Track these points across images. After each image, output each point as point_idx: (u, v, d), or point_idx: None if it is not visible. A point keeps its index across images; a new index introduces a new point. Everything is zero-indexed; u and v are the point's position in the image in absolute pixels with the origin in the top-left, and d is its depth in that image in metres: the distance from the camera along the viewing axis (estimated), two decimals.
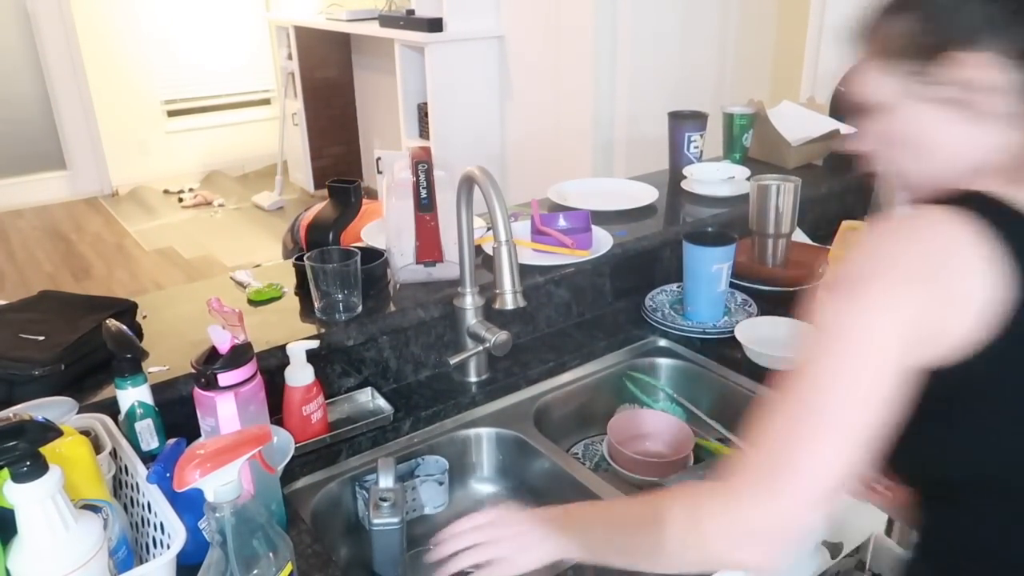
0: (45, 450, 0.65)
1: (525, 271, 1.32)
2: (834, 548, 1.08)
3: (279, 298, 1.26)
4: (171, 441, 0.85)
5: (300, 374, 1.05)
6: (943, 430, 0.67)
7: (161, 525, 0.75)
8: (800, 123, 1.98)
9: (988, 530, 0.70)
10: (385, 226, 1.31)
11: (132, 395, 0.91)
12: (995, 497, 0.68)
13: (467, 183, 1.11)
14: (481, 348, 1.18)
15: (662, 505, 0.67)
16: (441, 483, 1.14)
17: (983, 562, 0.71)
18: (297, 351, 1.05)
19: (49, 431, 0.67)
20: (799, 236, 1.66)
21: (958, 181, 0.69)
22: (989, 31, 0.65)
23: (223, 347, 0.84)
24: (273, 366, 1.07)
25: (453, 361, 1.18)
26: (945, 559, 0.75)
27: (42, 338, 1.03)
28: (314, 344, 1.06)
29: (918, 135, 0.71)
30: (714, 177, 1.74)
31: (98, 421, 0.88)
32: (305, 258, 1.18)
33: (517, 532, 0.78)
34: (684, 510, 0.65)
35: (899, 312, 0.61)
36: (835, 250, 1.53)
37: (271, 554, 0.69)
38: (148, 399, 0.92)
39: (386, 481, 0.97)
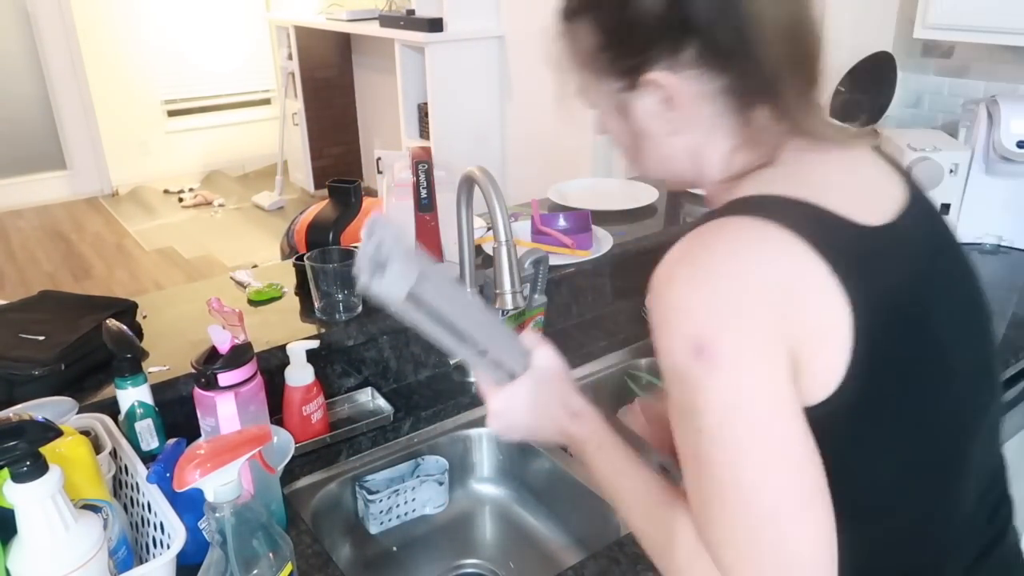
0: (45, 450, 0.65)
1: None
2: None
3: (279, 298, 1.26)
4: (171, 441, 0.85)
5: (300, 374, 1.05)
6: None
7: (161, 525, 0.75)
8: None
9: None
10: None
11: (132, 395, 0.90)
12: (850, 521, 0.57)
13: (467, 183, 1.11)
14: None
15: (673, 541, 0.60)
16: (441, 483, 1.14)
17: None
18: (297, 351, 1.05)
19: (49, 431, 0.66)
20: None
21: (713, 183, 0.66)
22: (661, 45, 0.61)
23: (223, 347, 0.84)
24: (273, 366, 1.07)
25: (453, 361, 1.18)
26: None
27: (42, 338, 1.03)
28: (314, 344, 1.06)
29: (643, 143, 0.68)
30: None
31: (98, 421, 0.88)
32: (305, 258, 1.18)
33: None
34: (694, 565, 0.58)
35: (770, 360, 0.53)
36: None
37: (271, 554, 0.69)
38: (148, 399, 0.92)
39: None
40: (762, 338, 0.53)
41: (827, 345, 0.54)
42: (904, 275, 0.60)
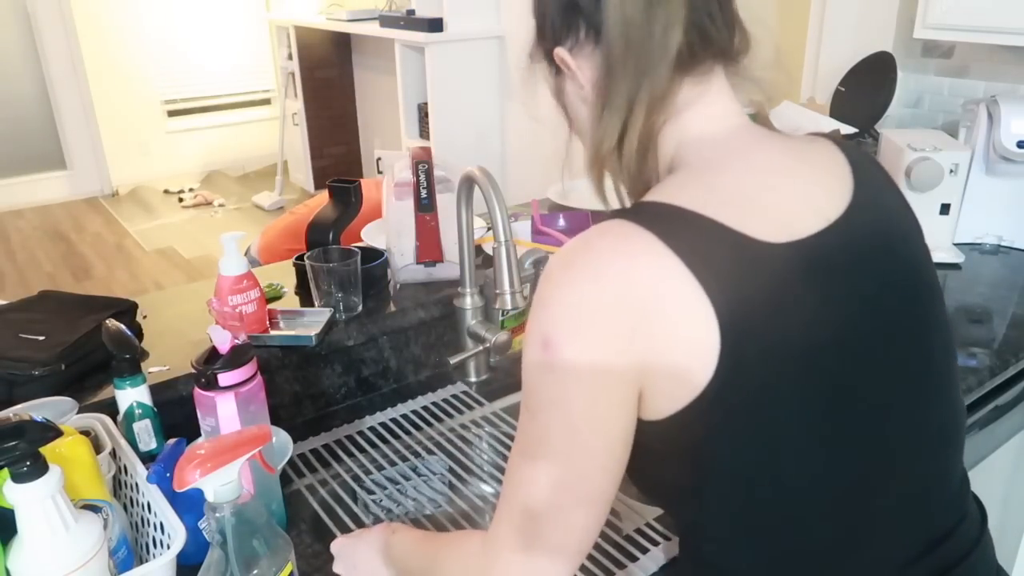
0: (45, 450, 0.65)
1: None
2: None
3: (279, 298, 1.26)
4: (171, 441, 0.85)
5: (231, 264, 1.06)
6: (673, 468, 0.63)
7: (161, 525, 0.75)
8: (801, 123, 1.98)
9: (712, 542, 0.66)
10: (385, 226, 1.31)
11: (131, 395, 0.90)
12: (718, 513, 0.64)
13: (467, 183, 1.11)
14: (481, 348, 1.18)
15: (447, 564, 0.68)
16: (441, 483, 1.14)
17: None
18: (228, 239, 1.06)
19: (49, 431, 0.66)
20: None
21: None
22: (564, 26, 0.68)
23: (223, 347, 0.84)
24: (272, 366, 1.07)
25: (453, 361, 1.18)
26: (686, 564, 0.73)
27: (42, 338, 1.03)
28: (242, 233, 1.07)
29: (579, 128, 0.74)
30: None
31: (98, 421, 0.88)
32: (305, 257, 1.18)
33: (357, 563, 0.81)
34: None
35: (605, 376, 0.58)
36: None
37: (271, 554, 0.69)
38: (147, 400, 0.92)
39: None
40: (603, 349, 0.57)
41: (693, 349, 0.57)
42: (792, 292, 0.60)
